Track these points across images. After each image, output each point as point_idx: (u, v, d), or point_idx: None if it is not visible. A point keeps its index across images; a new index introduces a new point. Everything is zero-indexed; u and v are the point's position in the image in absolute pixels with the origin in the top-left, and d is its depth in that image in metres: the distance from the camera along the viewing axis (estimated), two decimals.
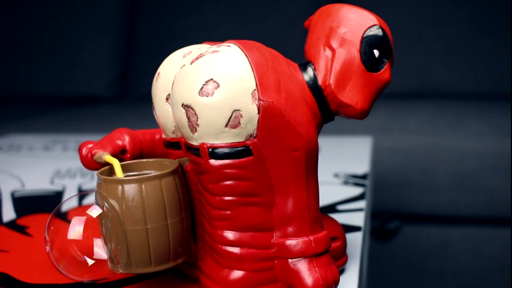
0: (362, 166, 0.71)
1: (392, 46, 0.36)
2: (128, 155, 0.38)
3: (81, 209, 0.35)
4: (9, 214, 0.56)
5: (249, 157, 0.33)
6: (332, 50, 0.35)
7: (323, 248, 0.35)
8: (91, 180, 0.67)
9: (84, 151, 0.38)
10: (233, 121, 0.33)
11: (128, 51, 1.72)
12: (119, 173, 0.35)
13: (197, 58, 0.34)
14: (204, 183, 0.35)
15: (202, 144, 0.34)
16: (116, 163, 0.36)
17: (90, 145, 0.38)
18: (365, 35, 0.35)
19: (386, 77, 0.36)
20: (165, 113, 0.37)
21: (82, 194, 0.37)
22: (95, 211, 0.34)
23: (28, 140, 0.96)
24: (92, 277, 0.34)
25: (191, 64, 0.34)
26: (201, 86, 0.33)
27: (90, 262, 0.34)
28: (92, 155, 0.38)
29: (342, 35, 0.35)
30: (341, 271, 0.39)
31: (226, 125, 0.33)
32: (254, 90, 0.33)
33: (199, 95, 0.33)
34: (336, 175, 0.67)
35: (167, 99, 0.37)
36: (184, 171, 0.36)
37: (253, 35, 1.57)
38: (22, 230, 0.51)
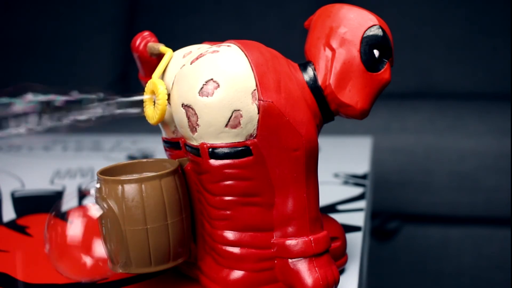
0: (362, 166, 0.71)
1: (392, 46, 0.36)
2: None
3: (81, 209, 0.35)
4: (9, 214, 0.56)
5: (249, 157, 0.33)
6: (332, 50, 0.35)
7: (323, 248, 0.35)
8: (91, 180, 0.67)
9: (139, 39, 0.38)
10: (233, 121, 0.33)
11: (128, 51, 1.72)
12: (162, 66, 0.35)
13: (197, 58, 0.34)
14: (204, 183, 0.35)
15: (202, 144, 0.34)
16: (169, 54, 0.36)
17: (146, 33, 0.38)
18: (365, 35, 0.35)
19: (386, 77, 0.36)
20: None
21: (82, 194, 0.37)
22: (95, 211, 0.34)
23: (28, 140, 0.96)
24: (92, 277, 0.34)
25: (191, 64, 0.34)
26: (201, 86, 0.33)
27: (89, 262, 0.34)
28: (146, 43, 0.38)
29: (342, 35, 0.35)
30: (341, 271, 0.39)
31: (226, 125, 0.33)
32: (254, 90, 0.33)
33: (199, 95, 0.33)
34: (336, 175, 0.67)
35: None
36: (184, 171, 0.36)
37: (253, 35, 1.56)
38: (22, 230, 0.51)
